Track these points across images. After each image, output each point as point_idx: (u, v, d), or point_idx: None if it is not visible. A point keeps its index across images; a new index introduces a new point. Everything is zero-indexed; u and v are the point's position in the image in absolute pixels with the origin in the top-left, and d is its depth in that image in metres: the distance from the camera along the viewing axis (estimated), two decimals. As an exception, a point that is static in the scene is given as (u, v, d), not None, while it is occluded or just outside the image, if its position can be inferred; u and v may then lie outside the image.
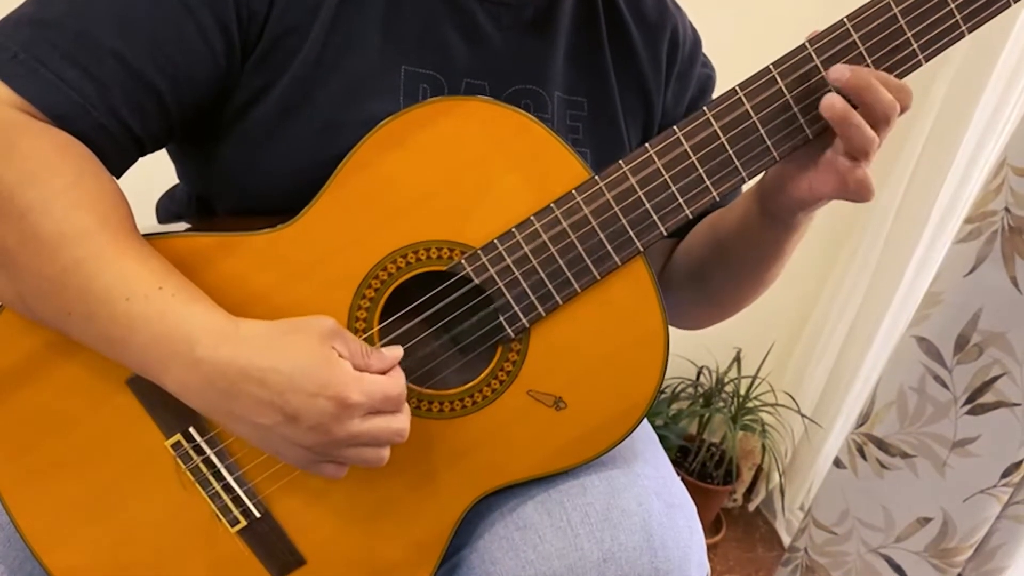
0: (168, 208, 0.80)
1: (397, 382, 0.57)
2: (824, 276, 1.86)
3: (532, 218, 0.61)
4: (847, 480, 1.41)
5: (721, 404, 1.84)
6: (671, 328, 0.65)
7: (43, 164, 0.54)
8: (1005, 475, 1.22)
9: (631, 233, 0.62)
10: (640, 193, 0.61)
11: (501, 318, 0.63)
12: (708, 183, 0.62)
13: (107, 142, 0.59)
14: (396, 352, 0.58)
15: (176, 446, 0.63)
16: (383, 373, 0.57)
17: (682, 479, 0.72)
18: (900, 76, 0.60)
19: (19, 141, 0.54)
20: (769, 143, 0.61)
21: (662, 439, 0.93)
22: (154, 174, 0.78)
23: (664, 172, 0.61)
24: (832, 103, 0.58)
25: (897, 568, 1.36)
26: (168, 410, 0.62)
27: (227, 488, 0.64)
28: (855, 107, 0.59)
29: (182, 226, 0.67)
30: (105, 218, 0.55)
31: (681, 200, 0.62)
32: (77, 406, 0.62)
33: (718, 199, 0.62)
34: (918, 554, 1.33)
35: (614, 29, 0.75)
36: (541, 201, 0.61)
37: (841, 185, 0.61)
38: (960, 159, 1.51)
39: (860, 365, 1.73)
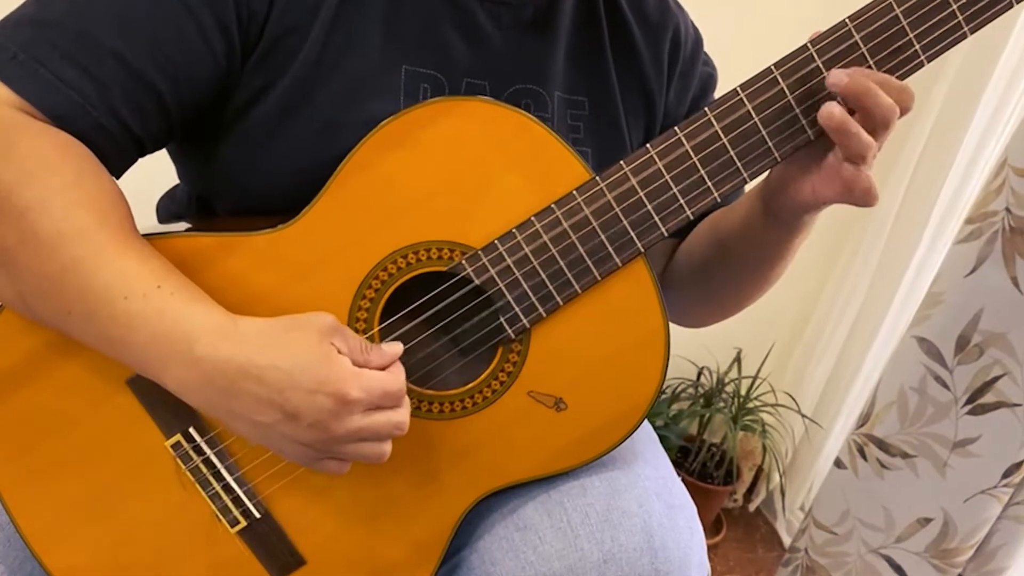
0: (168, 208, 0.80)
1: (397, 377, 0.57)
2: (825, 276, 1.86)
3: (533, 219, 0.61)
4: (847, 480, 1.41)
5: (721, 404, 1.84)
6: (671, 327, 0.65)
7: (42, 163, 0.54)
8: (1006, 475, 1.22)
9: (632, 234, 0.62)
10: (641, 194, 0.61)
11: (502, 319, 0.63)
12: (709, 184, 0.62)
13: (107, 142, 0.59)
14: (396, 348, 0.58)
15: (176, 446, 0.63)
16: (383, 369, 0.57)
17: (682, 479, 0.72)
18: (902, 77, 0.60)
19: (18, 141, 0.54)
20: (770, 144, 0.61)
21: (662, 439, 0.93)
22: (154, 174, 0.78)
23: (665, 173, 0.61)
24: (831, 113, 0.58)
25: (898, 568, 1.36)
26: (168, 410, 0.62)
27: (227, 488, 0.64)
28: (853, 111, 0.59)
29: (182, 226, 0.67)
30: (104, 217, 0.55)
31: (682, 201, 0.62)
32: (77, 406, 0.62)
33: (719, 200, 0.62)
34: (919, 554, 1.33)
35: (615, 29, 0.75)
36: (542, 201, 0.61)
37: (845, 190, 0.61)
38: (961, 159, 1.51)
39: (861, 365, 1.73)
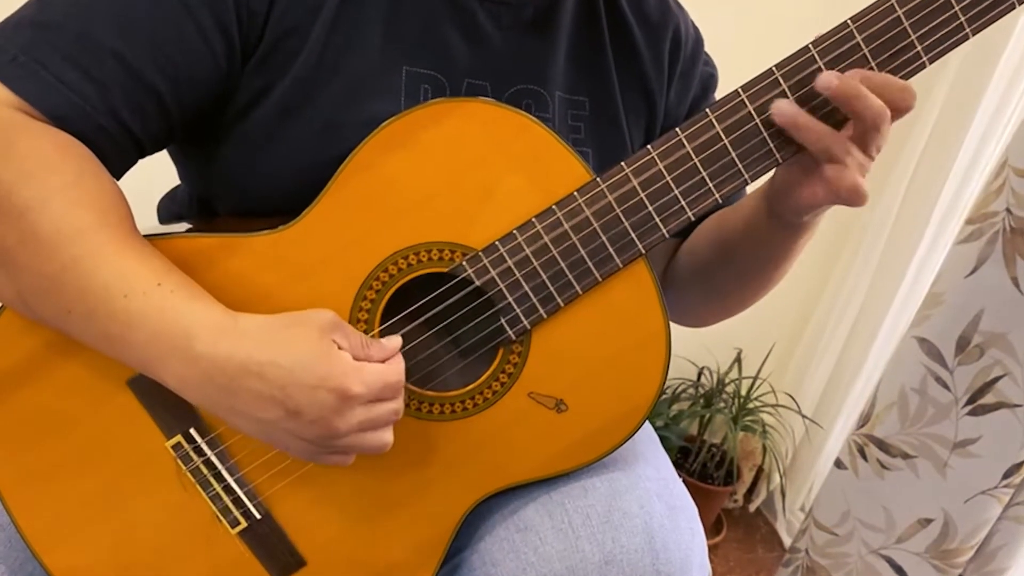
0: (169, 209, 0.80)
1: (396, 368, 0.57)
2: (825, 276, 1.86)
3: (534, 220, 0.61)
4: (848, 481, 1.41)
5: (722, 405, 1.84)
6: (672, 327, 0.65)
7: (42, 163, 0.54)
8: (1006, 476, 1.22)
9: (633, 235, 0.62)
10: (642, 195, 0.61)
11: (502, 320, 0.63)
12: (711, 185, 0.62)
13: (107, 143, 0.59)
14: (395, 341, 0.58)
15: (177, 447, 0.63)
16: (383, 363, 0.57)
17: (682, 480, 0.72)
18: (904, 78, 0.60)
19: (18, 140, 0.54)
20: (772, 145, 0.61)
21: (663, 440, 0.93)
22: (155, 175, 0.78)
23: (667, 174, 0.61)
24: (780, 109, 0.59)
25: (898, 569, 1.36)
26: (169, 411, 0.62)
27: (228, 489, 0.64)
28: (846, 116, 0.59)
29: (183, 227, 0.67)
30: (104, 216, 0.55)
31: (684, 202, 0.62)
32: (78, 406, 0.62)
33: (721, 201, 0.62)
34: (919, 555, 1.33)
35: (616, 29, 0.75)
36: (543, 203, 0.61)
37: (831, 191, 0.61)
38: (961, 160, 1.51)
39: (861, 366, 1.73)
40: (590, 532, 0.62)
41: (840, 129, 0.60)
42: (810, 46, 0.59)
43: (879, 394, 1.35)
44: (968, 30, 0.59)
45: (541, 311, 0.63)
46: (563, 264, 0.62)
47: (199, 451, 0.63)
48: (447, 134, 0.60)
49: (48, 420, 0.62)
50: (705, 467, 1.83)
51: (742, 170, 0.62)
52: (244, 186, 0.66)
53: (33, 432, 0.62)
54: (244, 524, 0.65)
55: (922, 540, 1.32)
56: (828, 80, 0.58)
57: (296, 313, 0.56)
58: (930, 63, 0.60)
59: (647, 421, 0.71)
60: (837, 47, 0.59)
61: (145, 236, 0.59)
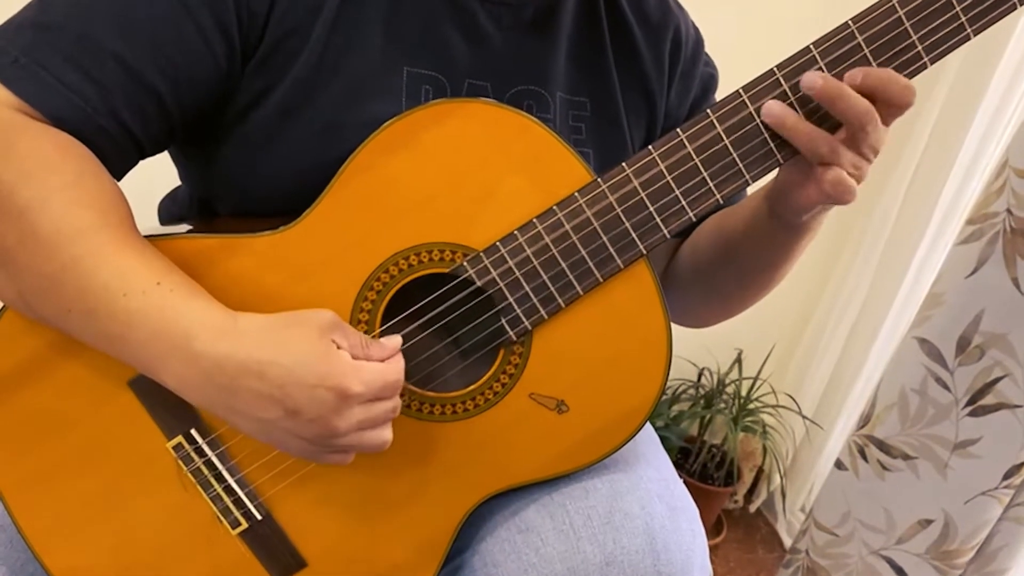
0: (170, 209, 0.80)
1: (395, 367, 0.57)
2: (825, 277, 1.86)
3: (535, 220, 0.61)
4: (848, 482, 1.41)
5: (722, 405, 1.84)
6: (672, 327, 0.65)
7: (42, 163, 0.54)
8: (1006, 477, 1.22)
9: (634, 236, 0.62)
10: (643, 196, 0.61)
11: (503, 320, 0.63)
12: (712, 185, 0.62)
13: (107, 144, 0.59)
14: (395, 341, 0.58)
15: (178, 448, 0.63)
16: (382, 362, 0.57)
17: (683, 480, 0.72)
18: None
19: (18, 141, 0.54)
20: (772, 146, 0.61)
21: (663, 440, 0.93)
22: (156, 175, 0.78)
23: (667, 174, 0.61)
24: (770, 110, 0.59)
25: (898, 570, 1.36)
26: (170, 411, 0.62)
27: (228, 490, 0.64)
28: (829, 115, 0.59)
29: (184, 228, 0.67)
30: (104, 216, 0.55)
31: (684, 203, 0.62)
32: (79, 407, 0.62)
33: (722, 202, 0.62)
34: (919, 556, 1.33)
35: (616, 29, 0.75)
36: (544, 203, 0.61)
37: (820, 190, 0.61)
38: (962, 160, 1.50)
39: (861, 366, 1.73)
40: (591, 533, 0.62)
41: (839, 129, 0.60)
42: (811, 46, 0.59)
43: (879, 395, 1.35)
44: (969, 30, 0.59)
45: (542, 312, 0.63)
46: (564, 265, 0.62)
47: (200, 452, 0.63)
48: (448, 135, 0.60)
49: (49, 420, 0.62)
50: (705, 468, 1.83)
51: (743, 170, 0.62)
52: (244, 187, 0.66)
53: (34, 432, 0.62)
54: (245, 525, 0.65)
55: (922, 541, 1.32)
56: (812, 80, 0.58)
57: (295, 313, 0.56)
58: (931, 63, 0.60)
59: (648, 422, 0.71)
60: (838, 47, 0.59)
61: (146, 237, 0.59)
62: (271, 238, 0.61)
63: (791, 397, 1.86)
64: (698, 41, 0.81)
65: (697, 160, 0.61)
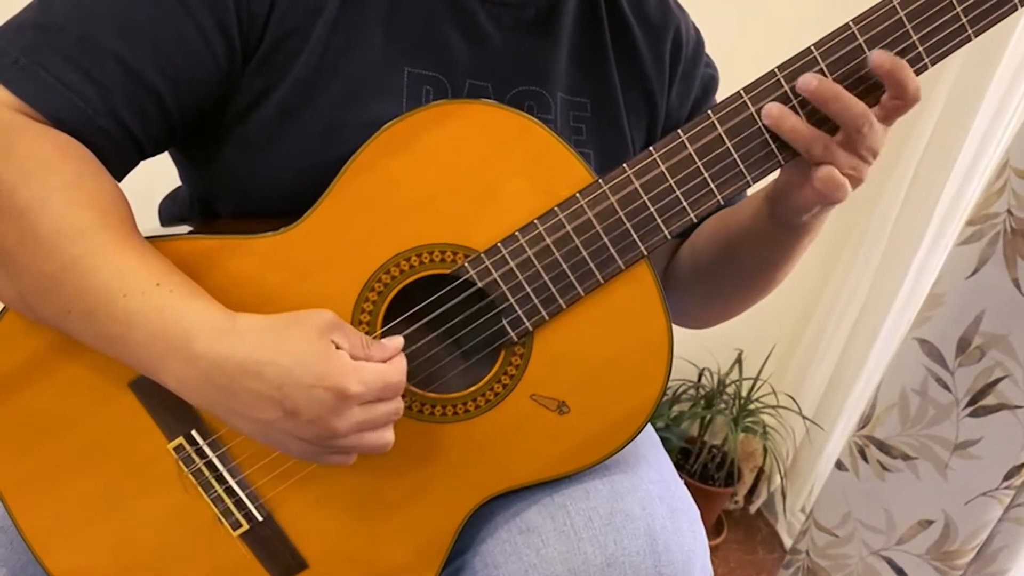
0: (170, 210, 0.80)
1: (397, 368, 0.57)
2: (826, 277, 1.86)
3: (535, 221, 0.61)
4: (848, 482, 1.41)
5: (722, 406, 1.84)
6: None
7: (42, 163, 0.54)
8: (1007, 478, 1.22)
9: (635, 236, 0.62)
10: (644, 197, 0.61)
11: (504, 321, 0.63)
12: (712, 187, 0.62)
13: (108, 145, 0.59)
14: (396, 342, 0.58)
15: (178, 449, 0.63)
16: (384, 363, 0.57)
17: (683, 481, 0.72)
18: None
19: (18, 141, 0.54)
20: (773, 147, 0.61)
21: (663, 441, 0.93)
22: (156, 176, 0.78)
23: (669, 176, 0.61)
24: (769, 111, 0.60)
25: (899, 571, 1.36)
26: (170, 412, 0.62)
27: (229, 491, 0.64)
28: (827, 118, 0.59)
29: (184, 229, 0.67)
30: (104, 216, 0.55)
31: (685, 203, 0.62)
32: (79, 408, 0.62)
33: (723, 203, 0.62)
34: (920, 557, 1.33)
35: (617, 30, 0.75)
36: (544, 204, 0.61)
37: (816, 189, 0.61)
38: (962, 161, 1.50)
39: (862, 367, 1.73)
40: (592, 534, 0.62)
41: (839, 131, 0.60)
42: (812, 47, 0.60)
43: (880, 395, 1.35)
44: (970, 31, 0.59)
45: (543, 312, 0.63)
46: (565, 266, 0.62)
47: (201, 453, 0.63)
48: (449, 136, 0.60)
49: (49, 421, 0.62)
50: (706, 468, 1.83)
51: (744, 171, 0.62)
52: (245, 187, 0.66)
53: (34, 433, 0.62)
54: (246, 526, 0.65)
55: (923, 542, 1.32)
56: (808, 82, 0.58)
57: (295, 313, 0.56)
58: (932, 64, 0.60)
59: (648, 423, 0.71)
60: (839, 49, 0.59)
61: (147, 238, 0.59)
62: (272, 239, 0.61)
63: (791, 397, 1.86)
64: (699, 42, 0.81)
65: (698, 161, 0.61)
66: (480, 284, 0.62)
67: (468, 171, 0.61)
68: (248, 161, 0.65)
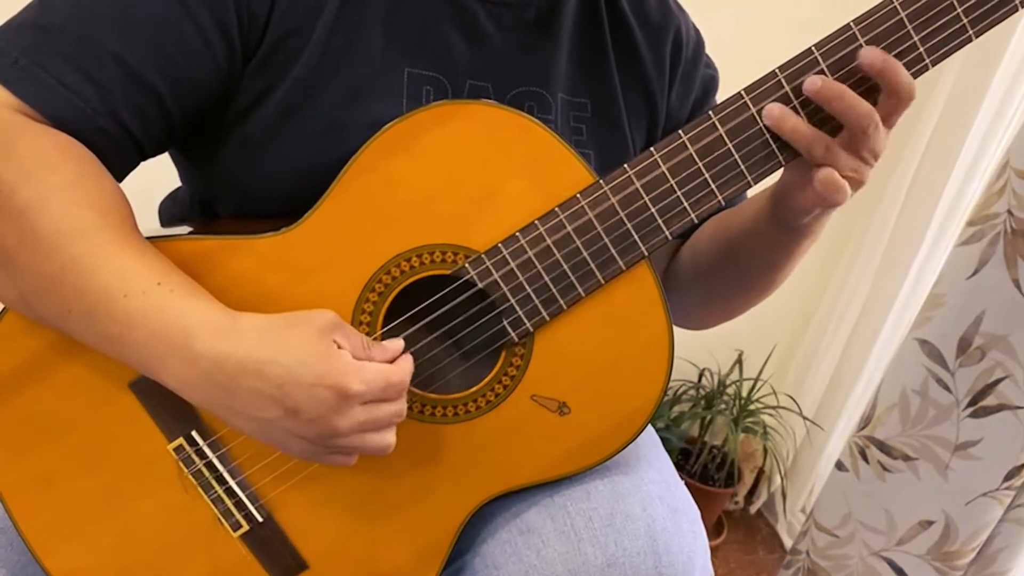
0: (170, 210, 0.80)
1: (400, 369, 0.57)
2: (826, 278, 1.86)
3: (536, 222, 0.61)
4: (849, 483, 1.41)
5: (723, 406, 1.84)
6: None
7: (42, 163, 0.54)
8: (1007, 478, 1.22)
9: (636, 237, 0.62)
10: (645, 198, 0.61)
11: (505, 322, 0.63)
12: (713, 187, 0.62)
13: (108, 145, 0.59)
14: (397, 343, 0.58)
15: (179, 450, 0.63)
16: (389, 363, 0.57)
17: (683, 481, 0.71)
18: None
19: (18, 141, 0.54)
20: (774, 147, 0.61)
21: (664, 441, 0.93)
22: (156, 176, 0.78)
23: (669, 176, 0.61)
24: (770, 112, 0.60)
25: (899, 571, 1.36)
26: (171, 413, 0.62)
27: (230, 492, 0.64)
28: (831, 117, 0.59)
29: (184, 229, 0.67)
30: (104, 216, 0.55)
31: (686, 204, 0.62)
32: (79, 408, 0.62)
33: (723, 204, 0.62)
34: (920, 557, 1.33)
35: (617, 30, 0.75)
36: (545, 205, 0.61)
37: (816, 191, 0.61)
38: (963, 161, 1.51)
39: (862, 367, 1.73)
40: (592, 535, 0.62)
41: (841, 132, 0.60)
42: (813, 48, 0.60)
43: (880, 396, 1.35)
44: (971, 32, 0.59)
45: (544, 313, 0.63)
46: (565, 266, 0.62)
47: (201, 454, 0.63)
48: (449, 136, 0.60)
49: (49, 422, 0.62)
50: (706, 469, 1.83)
51: (745, 172, 0.62)
52: (245, 187, 0.66)
53: (34, 434, 0.62)
54: (246, 527, 0.65)
55: (923, 542, 1.32)
56: (813, 82, 0.58)
57: (296, 313, 0.56)
58: (933, 65, 0.60)
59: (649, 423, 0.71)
60: (839, 49, 0.59)
61: (147, 238, 0.58)
62: (272, 239, 0.61)
63: (792, 398, 1.86)
64: (699, 42, 0.81)
65: (699, 162, 0.61)
66: (481, 285, 0.62)
67: (469, 171, 0.61)
68: (248, 161, 0.65)
